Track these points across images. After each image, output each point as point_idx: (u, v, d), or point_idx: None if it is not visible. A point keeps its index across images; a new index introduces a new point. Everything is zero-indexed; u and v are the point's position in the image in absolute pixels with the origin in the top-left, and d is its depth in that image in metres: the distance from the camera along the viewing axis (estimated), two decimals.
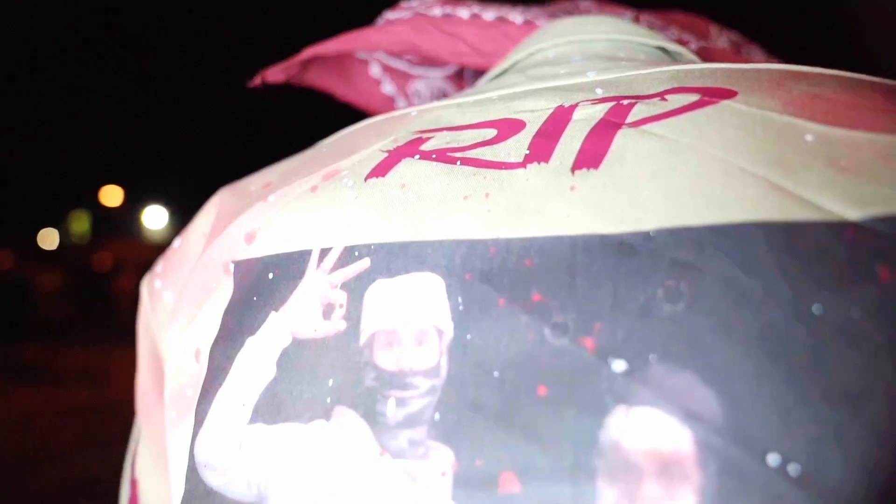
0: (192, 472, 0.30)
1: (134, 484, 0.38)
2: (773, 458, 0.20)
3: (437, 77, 0.53)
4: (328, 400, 0.27)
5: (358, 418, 0.26)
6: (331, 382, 0.27)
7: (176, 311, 0.35)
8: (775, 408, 0.21)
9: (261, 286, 0.31)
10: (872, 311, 0.21)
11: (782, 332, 0.21)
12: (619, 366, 0.23)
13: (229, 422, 0.29)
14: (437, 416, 0.24)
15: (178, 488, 0.30)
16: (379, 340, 0.27)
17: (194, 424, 0.30)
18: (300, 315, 0.29)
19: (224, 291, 0.33)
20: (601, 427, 0.22)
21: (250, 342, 0.30)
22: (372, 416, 0.26)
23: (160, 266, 0.40)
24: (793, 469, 0.20)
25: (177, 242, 0.40)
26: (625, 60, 0.37)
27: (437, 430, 0.24)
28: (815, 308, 0.22)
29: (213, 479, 0.29)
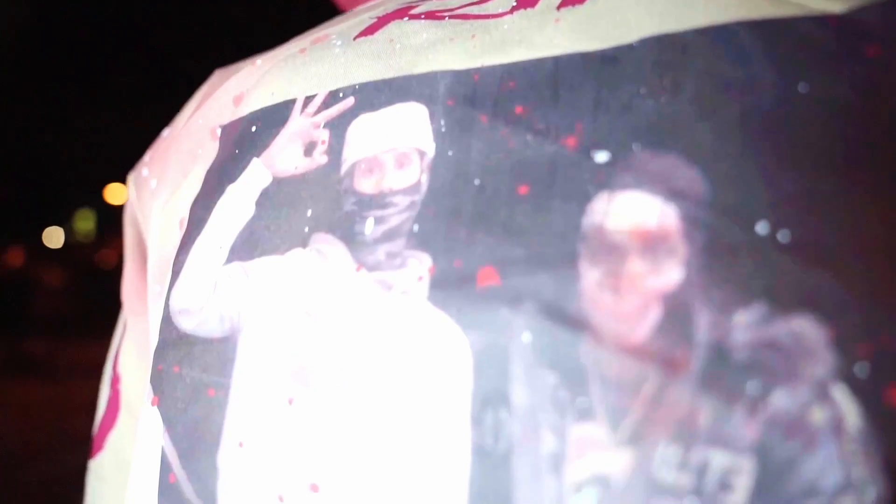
0: (166, 322, 0.29)
1: (115, 380, 0.37)
2: (761, 227, 0.20)
3: None
4: (306, 229, 0.26)
5: (335, 240, 0.25)
6: (309, 213, 0.26)
7: (160, 185, 0.35)
8: (762, 179, 0.20)
9: (244, 140, 0.30)
10: (859, 83, 0.21)
11: (768, 110, 0.21)
12: (601, 157, 0.22)
13: (205, 265, 0.28)
14: (415, 227, 0.24)
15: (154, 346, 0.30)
16: (360, 168, 0.26)
17: (171, 277, 0.30)
18: (281, 155, 0.28)
19: (209, 156, 0.32)
20: (583, 214, 0.21)
21: (231, 188, 0.29)
22: (350, 237, 0.25)
23: (148, 155, 0.39)
24: (782, 236, 0.19)
25: (166, 132, 0.39)
26: None
27: (415, 239, 0.24)
28: (801, 87, 0.21)
29: (186, 323, 0.28)
